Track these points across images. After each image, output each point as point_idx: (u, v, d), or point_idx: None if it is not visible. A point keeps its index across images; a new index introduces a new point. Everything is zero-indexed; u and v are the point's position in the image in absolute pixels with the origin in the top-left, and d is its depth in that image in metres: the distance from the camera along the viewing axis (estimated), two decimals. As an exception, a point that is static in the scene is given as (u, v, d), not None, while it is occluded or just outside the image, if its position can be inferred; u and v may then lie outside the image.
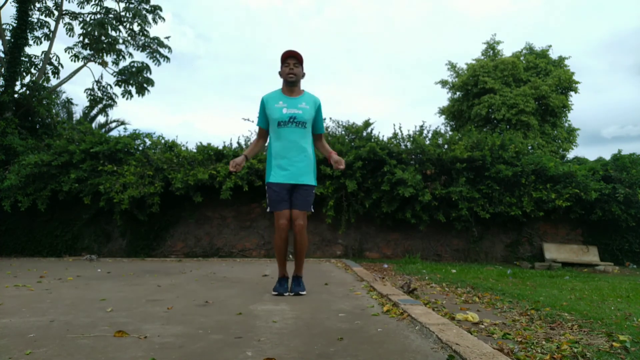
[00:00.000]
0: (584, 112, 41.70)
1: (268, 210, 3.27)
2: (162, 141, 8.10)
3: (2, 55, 9.82)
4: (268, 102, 3.25)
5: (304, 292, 3.24)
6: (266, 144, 3.51)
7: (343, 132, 8.30)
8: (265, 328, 2.08)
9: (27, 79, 10.21)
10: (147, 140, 8.11)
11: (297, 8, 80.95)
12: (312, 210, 3.34)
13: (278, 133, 3.19)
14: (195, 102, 58.17)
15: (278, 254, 3.30)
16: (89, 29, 10.67)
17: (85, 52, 11.05)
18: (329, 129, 8.67)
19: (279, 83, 3.33)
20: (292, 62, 3.18)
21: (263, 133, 3.38)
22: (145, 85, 11.27)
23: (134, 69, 11.15)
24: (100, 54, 11.02)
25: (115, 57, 11.18)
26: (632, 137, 40.71)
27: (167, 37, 12.37)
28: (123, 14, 10.95)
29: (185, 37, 57.42)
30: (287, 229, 3.18)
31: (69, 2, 13.85)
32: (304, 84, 3.37)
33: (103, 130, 15.45)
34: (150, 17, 11.11)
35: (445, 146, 7.80)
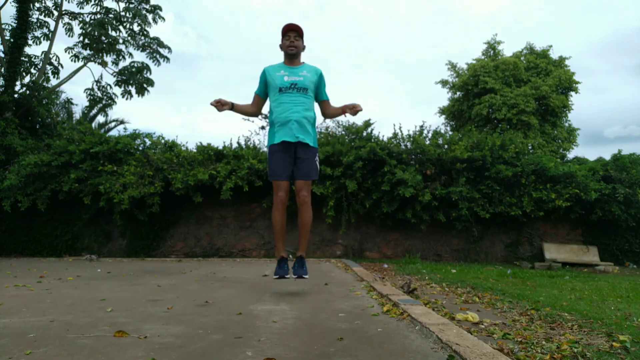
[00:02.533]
0: (586, 112, 41.72)
1: (268, 178, 3.25)
2: (162, 141, 8.09)
3: (2, 55, 9.82)
4: (269, 71, 3.29)
5: (306, 276, 3.20)
6: (261, 116, 3.50)
7: (343, 132, 8.30)
8: (265, 328, 2.08)
9: (27, 79, 10.22)
10: (147, 140, 8.11)
11: (298, 8, 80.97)
12: (317, 177, 3.30)
13: (279, 99, 3.20)
14: (196, 102, 58.19)
15: (276, 229, 3.25)
16: (89, 29, 10.67)
17: (85, 52, 11.05)
18: (329, 129, 8.67)
19: (281, 53, 3.35)
20: (292, 35, 3.23)
21: (258, 101, 3.39)
22: (145, 85, 11.28)
23: (133, 69, 11.15)
24: (100, 54, 11.02)
25: (115, 57, 11.18)
26: (634, 137, 40.70)
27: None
28: (123, 14, 10.96)
29: (187, 37, 57.43)
30: (285, 202, 3.16)
31: (68, 2, 13.83)
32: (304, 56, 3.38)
33: (103, 130, 15.46)
34: (150, 17, 11.11)
35: (446, 146, 7.80)
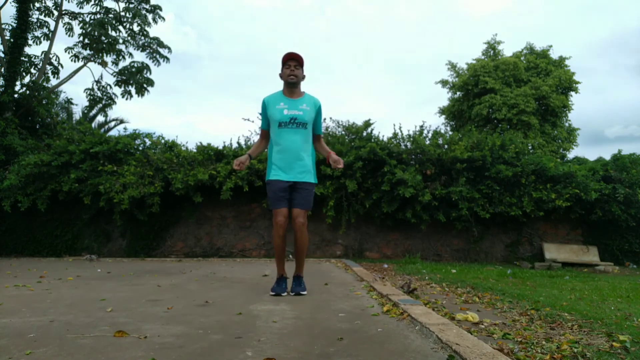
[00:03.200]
0: (586, 112, 41.71)
1: (269, 208, 3.32)
2: (162, 141, 8.10)
3: (2, 55, 9.82)
4: (269, 103, 3.31)
5: (304, 292, 3.25)
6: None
7: (343, 132, 8.30)
8: (265, 328, 2.08)
9: (27, 79, 10.22)
10: (147, 140, 8.11)
11: (299, 8, 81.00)
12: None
13: (279, 133, 3.24)
14: (197, 102, 58.21)
15: (276, 252, 3.33)
16: (89, 29, 10.67)
17: (85, 52, 11.06)
18: (329, 129, 8.67)
19: (280, 83, 3.38)
20: (292, 64, 3.25)
21: (265, 134, 3.43)
22: (145, 85, 11.28)
23: (133, 69, 11.15)
24: (100, 54, 11.02)
25: (115, 57, 11.18)
26: (635, 137, 40.67)
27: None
28: (123, 14, 10.96)
29: (187, 37, 57.45)
30: (285, 227, 3.21)
31: (68, 2, 13.86)
32: (304, 85, 3.41)
33: (103, 129, 15.46)
34: (150, 17, 11.11)
35: (446, 146, 7.80)
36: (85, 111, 15.27)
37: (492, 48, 19.92)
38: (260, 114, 3.41)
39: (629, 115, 45.42)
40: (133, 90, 11.30)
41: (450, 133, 8.40)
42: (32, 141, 8.30)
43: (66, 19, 11.19)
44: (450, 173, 7.55)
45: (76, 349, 1.69)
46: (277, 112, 3.24)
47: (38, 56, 10.78)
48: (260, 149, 3.52)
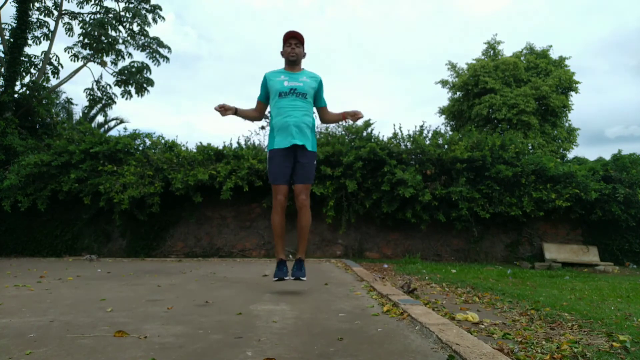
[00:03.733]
0: (587, 112, 41.72)
1: (269, 182, 3.33)
2: (162, 141, 8.09)
3: (2, 55, 9.82)
4: (270, 77, 3.36)
5: (304, 278, 3.26)
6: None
7: (343, 132, 8.30)
8: (265, 328, 2.08)
9: (27, 79, 10.22)
10: (147, 140, 8.10)
11: (299, 8, 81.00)
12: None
13: (279, 103, 3.28)
14: (197, 102, 58.21)
15: (275, 231, 3.33)
16: (89, 29, 10.67)
17: (85, 52, 11.06)
18: (329, 129, 8.66)
19: (281, 60, 3.42)
20: (293, 42, 3.32)
21: (260, 106, 3.48)
22: (144, 85, 11.28)
23: (133, 69, 11.15)
24: (100, 54, 11.02)
25: (115, 57, 11.18)
26: (636, 137, 40.69)
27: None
28: (123, 13, 10.96)
29: (188, 37, 57.46)
30: (284, 205, 3.24)
31: (68, 2, 13.84)
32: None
33: (102, 129, 15.48)
34: (150, 16, 11.11)
35: (446, 146, 7.80)
36: (85, 111, 15.30)
37: (492, 48, 19.92)
38: (260, 85, 3.43)
39: (629, 115, 45.43)
40: (133, 90, 11.31)
41: (450, 133, 8.39)
42: (32, 141, 8.30)
43: (66, 19, 11.20)
44: (450, 173, 7.55)
45: (76, 349, 1.69)
46: (277, 83, 3.29)
47: (38, 56, 10.80)
48: (249, 113, 3.53)
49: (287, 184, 3.25)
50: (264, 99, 3.43)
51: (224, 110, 3.33)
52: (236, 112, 3.41)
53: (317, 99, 3.43)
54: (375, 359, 1.60)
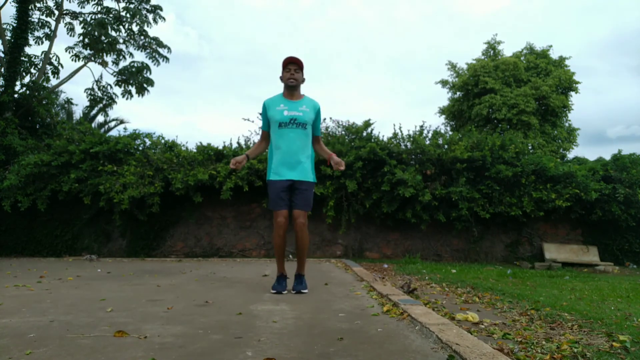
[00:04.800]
0: (588, 112, 41.73)
1: (269, 208, 3.38)
2: (162, 141, 8.09)
3: (2, 55, 9.82)
4: (270, 105, 3.39)
5: (305, 291, 3.30)
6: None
7: (343, 132, 8.30)
8: (265, 328, 2.08)
9: (27, 79, 10.22)
10: (147, 140, 8.10)
11: (300, 9, 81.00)
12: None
13: (279, 134, 3.31)
14: (197, 102, 58.23)
15: (276, 251, 3.39)
16: (89, 29, 10.67)
17: (86, 52, 11.06)
18: (329, 129, 8.66)
19: (280, 85, 3.45)
20: (293, 68, 3.34)
21: (266, 135, 3.50)
22: (145, 85, 11.28)
23: (133, 69, 11.15)
24: (100, 54, 11.02)
25: (115, 57, 11.19)
26: (637, 137, 40.75)
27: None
28: (123, 13, 10.96)
29: (188, 38, 57.45)
30: (285, 227, 3.27)
31: (69, 1, 13.85)
32: (304, 88, 3.46)
33: (103, 129, 15.46)
34: (150, 17, 11.12)
35: (446, 146, 7.80)
36: (86, 111, 15.28)
37: (492, 48, 19.92)
38: (261, 115, 3.49)
39: (630, 116, 45.46)
40: (133, 90, 11.31)
41: (450, 133, 8.39)
42: (32, 141, 8.30)
43: (67, 19, 11.20)
44: (450, 173, 7.55)
45: (76, 349, 1.69)
46: (277, 113, 3.32)
47: (38, 56, 10.81)
48: (259, 150, 3.58)
49: (287, 208, 3.29)
50: (267, 127, 3.44)
51: (239, 164, 3.35)
52: (249, 157, 3.45)
53: (313, 129, 3.45)
54: (375, 359, 1.60)
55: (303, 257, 3.40)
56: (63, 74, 12.39)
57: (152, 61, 11.39)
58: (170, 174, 7.34)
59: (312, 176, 3.36)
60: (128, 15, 10.88)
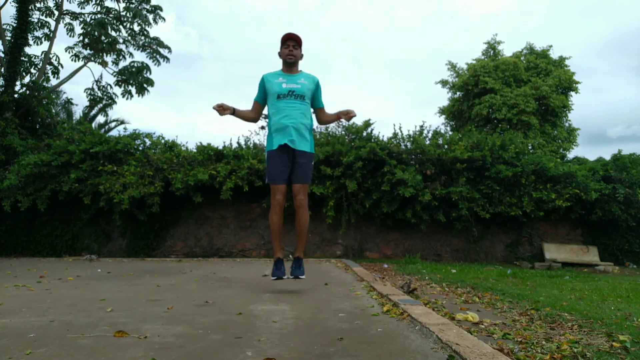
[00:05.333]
0: (588, 112, 41.76)
1: (266, 181, 3.36)
2: (162, 141, 8.09)
3: (2, 55, 9.82)
4: (268, 78, 3.39)
5: (303, 276, 3.29)
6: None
7: (343, 132, 8.30)
8: (265, 328, 2.08)
9: (27, 79, 10.22)
10: (147, 140, 8.10)
11: (301, 8, 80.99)
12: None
13: (277, 105, 3.31)
14: (198, 102, 58.23)
15: (273, 231, 3.35)
16: (89, 29, 10.67)
17: (86, 52, 11.05)
18: (329, 129, 8.66)
19: (279, 63, 3.46)
20: (291, 44, 3.35)
21: (257, 107, 3.50)
22: (145, 85, 11.27)
23: (133, 69, 11.15)
24: (100, 54, 11.02)
25: (115, 57, 11.18)
26: (638, 137, 40.80)
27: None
28: (123, 13, 10.96)
29: (189, 38, 57.45)
30: (282, 204, 3.27)
31: (69, 2, 13.81)
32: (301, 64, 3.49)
33: (103, 130, 15.47)
34: (150, 17, 11.11)
35: (446, 146, 7.80)
36: (86, 111, 15.29)
37: (492, 48, 19.92)
38: (258, 86, 3.46)
39: (631, 116, 45.46)
40: (133, 90, 11.30)
41: (450, 133, 8.39)
42: (32, 141, 8.30)
43: (67, 19, 11.20)
44: (450, 173, 7.55)
45: (76, 349, 1.69)
46: (275, 85, 3.32)
47: (38, 56, 10.80)
48: (245, 113, 3.53)
49: (285, 184, 3.27)
50: (261, 100, 3.45)
51: (222, 109, 3.35)
52: (234, 112, 3.43)
53: (315, 101, 3.46)
54: (375, 359, 1.60)
55: (303, 237, 3.36)
56: (63, 74, 12.37)
57: (153, 61, 11.39)
58: (170, 174, 7.34)
59: (311, 147, 3.33)
60: (129, 15, 10.88)
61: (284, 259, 3.38)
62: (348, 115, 3.30)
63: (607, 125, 45.35)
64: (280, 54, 3.39)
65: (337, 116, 3.40)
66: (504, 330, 2.13)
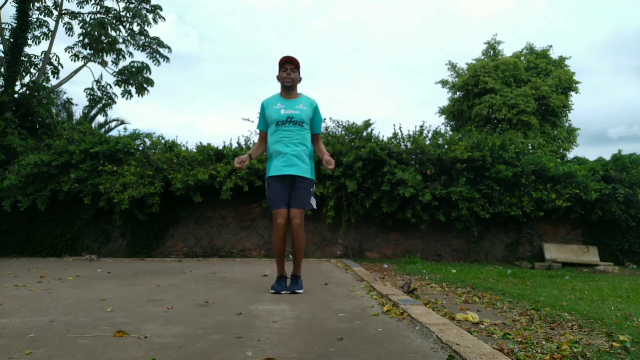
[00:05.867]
0: (589, 112, 41.75)
1: (269, 208, 3.40)
2: (162, 141, 8.10)
3: (2, 55, 9.82)
4: (267, 105, 3.41)
5: (300, 291, 3.32)
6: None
7: (343, 132, 8.29)
8: (265, 328, 2.08)
9: (27, 78, 10.22)
10: (147, 140, 8.11)
11: (301, 9, 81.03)
12: (314, 207, 3.42)
13: (277, 132, 3.33)
14: (198, 102, 58.25)
15: (276, 252, 3.40)
16: (89, 29, 10.67)
17: (85, 52, 11.05)
18: (329, 129, 8.66)
19: (278, 85, 3.46)
20: (289, 68, 3.35)
21: (264, 136, 3.52)
22: (145, 85, 11.27)
23: (133, 69, 11.14)
24: (100, 54, 11.02)
25: (115, 57, 11.18)
26: (639, 138, 40.75)
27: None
28: (123, 13, 10.95)
29: (189, 38, 57.47)
30: (284, 228, 3.27)
31: (68, 1, 13.85)
32: (301, 87, 3.46)
33: (103, 129, 15.46)
34: (150, 16, 11.11)
35: (446, 146, 7.80)
36: (86, 111, 15.29)
37: (492, 48, 19.91)
38: (259, 114, 3.50)
39: (632, 116, 45.46)
40: (133, 90, 11.30)
41: (450, 133, 8.39)
42: (32, 141, 8.30)
43: (66, 19, 11.19)
44: (450, 173, 7.55)
45: (76, 349, 1.69)
46: (274, 112, 3.33)
47: (38, 56, 10.80)
48: (259, 151, 3.59)
49: (286, 207, 3.28)
50: (265, 127, 3.46)
51: (242, 163, 3.32)
52: (251, 157, 3.45)
53: (313, 126, 3.45)
54: (375, 359, 1.60)
55: (300, 258, 3.40)
56: (63, 74, 12.40)
57: (153, 61, 11.39)
58: (170, 174, 7.34)
59: (311, 174, 3.34)
60: (128, 15, 10.87)
61: (286, 277, 3.41)
62: (327, 164, 3.25)
63: (608, 126, 45.35)
64: (278, 78, 3.39)
65: (322, 156, 3.37)
66: (504, 330, 2.13)
